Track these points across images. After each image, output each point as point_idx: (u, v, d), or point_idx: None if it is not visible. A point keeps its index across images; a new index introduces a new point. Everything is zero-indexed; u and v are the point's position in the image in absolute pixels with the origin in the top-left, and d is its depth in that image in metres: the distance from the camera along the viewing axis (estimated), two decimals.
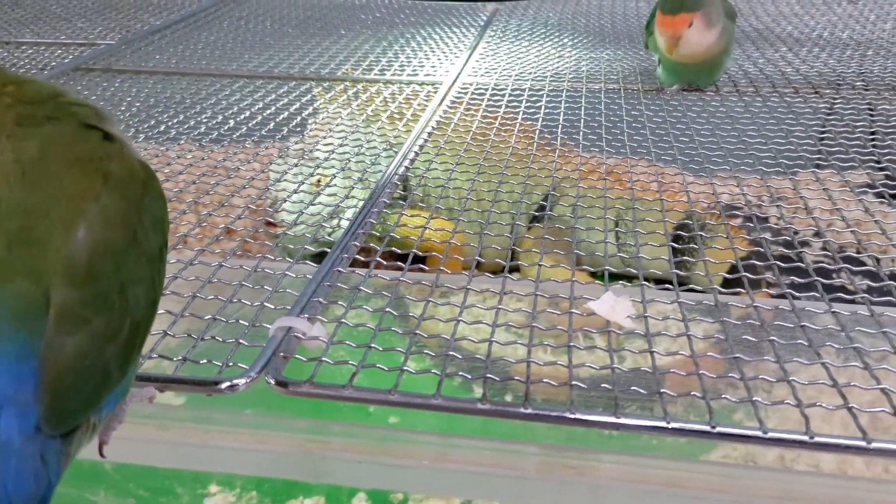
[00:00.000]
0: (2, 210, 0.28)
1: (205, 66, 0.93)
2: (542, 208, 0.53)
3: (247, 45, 1.03)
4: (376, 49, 1.01)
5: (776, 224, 0.61)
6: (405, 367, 0.36)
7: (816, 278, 0.44)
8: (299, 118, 0.76)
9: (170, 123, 0.75)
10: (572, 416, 0.33)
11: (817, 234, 0.53)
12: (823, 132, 0.70)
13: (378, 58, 0.96)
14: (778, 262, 0.46)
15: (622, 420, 0.33)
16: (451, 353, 0.38)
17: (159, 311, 0.33)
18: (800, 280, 0.44)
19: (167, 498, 0.76)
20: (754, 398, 0.34)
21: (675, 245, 0.49)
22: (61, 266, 0.27)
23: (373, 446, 0.35)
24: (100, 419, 0.30)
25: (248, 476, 0.76)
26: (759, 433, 0.32)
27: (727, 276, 0.63)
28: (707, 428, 0.32)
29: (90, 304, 0.28)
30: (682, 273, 0.47)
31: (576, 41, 1.05)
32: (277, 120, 0.76)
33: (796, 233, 0.57)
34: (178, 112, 0.78)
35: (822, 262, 0.49)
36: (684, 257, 0.49)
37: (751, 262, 0.52)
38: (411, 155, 0.64)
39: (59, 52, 0.99)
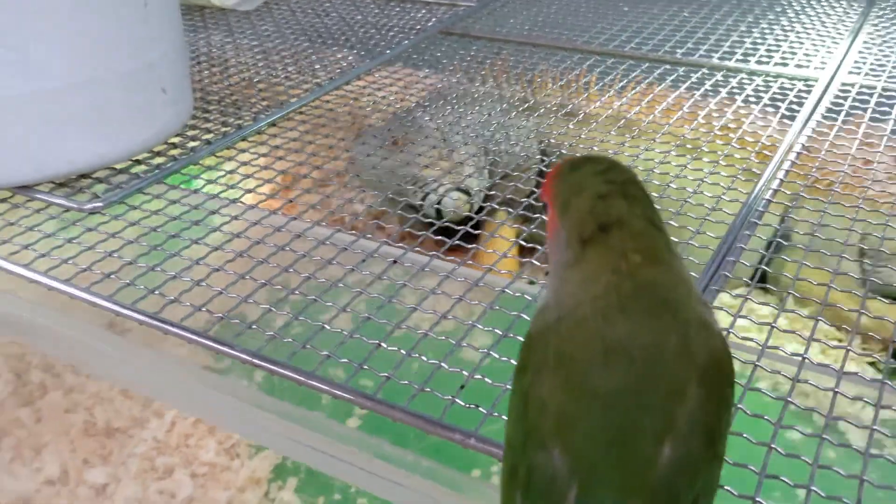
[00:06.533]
0: (602, 390, 0.25)
1: (556, 37, 0.92)
2: None
3: (599, 14, 1.00)
4: (740, 26, 0.92)
5: None
6: None
7: None
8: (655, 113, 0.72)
9: (523, 96, 0.75)
10: None
11: None
12: None
13: (742, 37, 0.88)
14: None
15: None
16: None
17: None
18: None
19: None
20: None
21: None
22: (644, 486, 0.24)
23: None
24: None
25: None
26: None
27: None
28: None
29: None
30: None
31: None
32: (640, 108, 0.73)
33: None
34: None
35: None
36: None
37: None
38: (780, 174, 0.57)
39: (424, 12, 1.04)
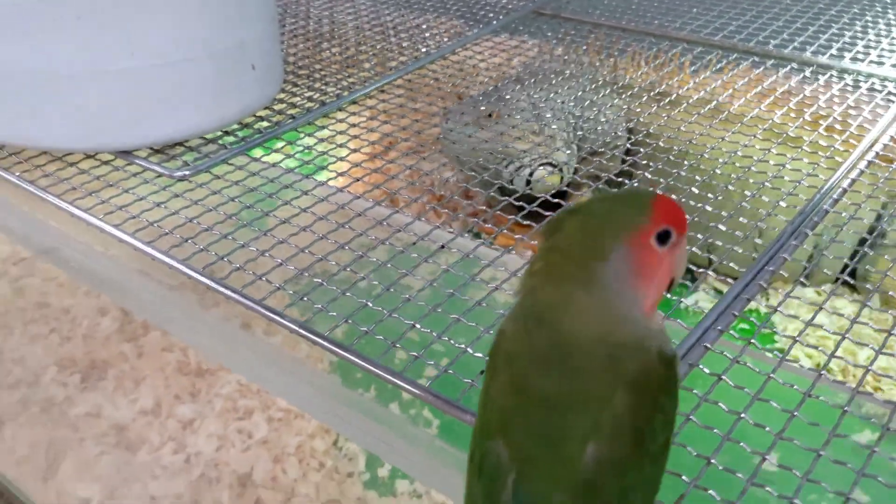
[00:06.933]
0: (536, 391, 0.28)
1: (647, 22, 0.91)
2: None
3: None
4: (842, 17, 0.88)
5: None
6: None
7: None
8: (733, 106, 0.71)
9: (612, 77, 0.76)
10: None
11: None
12: None
13: (842, 30, 0.84)
14: None
15: None
16: None
17: None
18: None
19: None
20: None
21: None
22: (568, 480, 0.27)
23: None
24: None
25: None
26: None
27: None
28: None
29: None
30: None
31: None
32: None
33: None
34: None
35: None
36: None
37: None
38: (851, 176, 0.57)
39: None
